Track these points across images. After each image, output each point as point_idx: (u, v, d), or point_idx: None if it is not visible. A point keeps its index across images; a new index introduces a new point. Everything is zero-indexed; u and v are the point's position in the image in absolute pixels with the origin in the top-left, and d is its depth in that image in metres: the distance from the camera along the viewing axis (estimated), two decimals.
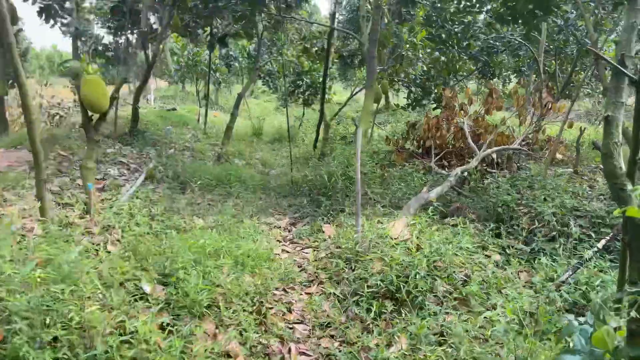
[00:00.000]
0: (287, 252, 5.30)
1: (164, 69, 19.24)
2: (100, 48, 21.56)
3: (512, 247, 5.51)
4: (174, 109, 16.07)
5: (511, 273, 4.80)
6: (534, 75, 19.05)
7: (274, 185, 7.94)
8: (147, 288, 3.50)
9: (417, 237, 4.50)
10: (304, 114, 15.97)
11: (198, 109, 15.88)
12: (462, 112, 9.27)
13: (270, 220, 6.30)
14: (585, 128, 8.66)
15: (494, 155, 8.57)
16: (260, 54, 11.84)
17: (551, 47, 13.99)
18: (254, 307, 3.60)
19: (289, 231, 6.06)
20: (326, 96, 13.58)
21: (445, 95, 8.94)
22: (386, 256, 4.10)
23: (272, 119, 18.38)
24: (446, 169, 8.96)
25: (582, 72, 18.76)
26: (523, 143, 9.11)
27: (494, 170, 8.61)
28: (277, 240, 5.62)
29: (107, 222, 4.77)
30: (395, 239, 4.48)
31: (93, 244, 4.32)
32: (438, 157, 9.11)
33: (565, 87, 13.08)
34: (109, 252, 4.15)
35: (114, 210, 5.05)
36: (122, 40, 23.32)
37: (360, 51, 16.97)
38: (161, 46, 17.81)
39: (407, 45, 10.80)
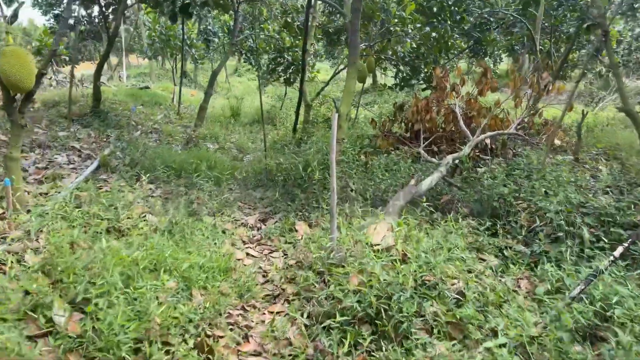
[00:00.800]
0: (253, 256, 4.56)
1: (140, 44, 18.15)
2: (71, 22, 20.29)
3: (511, 248, 4.84)
4: (147, 87, 15.09)
5: (511, 281, 4.13)
6: (527, 55, 18.32)
7: (246, 174, 7.15)
8: (60, 319, 2.75)
9: (403, 244, 3.78)
10: (285, 93, 15.07)
11: (174, 87, 14.92)
12: (453, 93, 8.53)
13: (237, 215, 5.54)
14: (586, 111, 7.96)
15: (488, 141, 7.87)
16: (238, 28, 10.90)
17: (546, 24, 13.22)
18: (197, 340, 2.86)
19: (258, 229, 5.31)
20: (307, 75, 12.72)
21: (436, 74, 8.16)
22: (365, 270, 3.37)
23: (253, 98, 17.46)
24: (436, 155, 8.27)
25: (578, 52, 18.09)
26: (518, 127, 8.42)
27: (487, 157, 7.92)
28: (242, 242, 4.87)
29: (32, 225, 3.97)
30: (376, 246, 3.76)
31: (9, 252, 3.53)
32: (427, 142, 8.38)
33: (561, 67, 12.38)
34: (26, 265, 3.37)
35: (45, 208, 4.24)
36: (94, 12, 21.99)
37: (346, 28, 16.05)
38: (138, 19, 16.68)
39: (396, 20, 9.96)
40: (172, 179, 6.44)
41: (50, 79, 13.41)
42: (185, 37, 13.30)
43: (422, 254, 3.58)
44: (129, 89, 14.17)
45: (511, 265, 4.47)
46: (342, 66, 13.59)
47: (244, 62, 20.46)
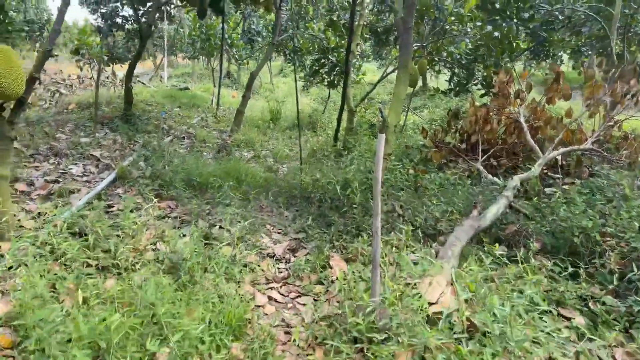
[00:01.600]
0: (276, 301, 3.76)
1: (181, 43, 17.82)
2: (119, 21, 20.23)
3: (598, 300, 3.83)
4: (187, 88, 14.66)
5: (603, 351, 3.17)
6: (595, 57, 16.70)
7: (279, 188, 6.38)
8: None
9: (468, 307, 2.88)
10: (329, 96, 14.26)
11: (214, 88, 14.43)
12: (517, 100, 7.46)
13: (264, 241, 4.77)
14: None
15: (559, 157, 6.79)
16: (280, 26, 10.19)
17: (619, 24, 11.79)
18: None
19: (287, 261, 4.51)
20: (352, 77, 11.85)
21: (499, 79, 7.11)
22: (418, 346, 2.50)
23: (295, 100, 16.77)
24: (495, 170, 7.26)
25: None
26: (594, 141, 7.25)
27: (557, 175, 6.83)
28: (266, 279, 4.08)
29: (20, 257, 3.32)
30: (432, 306, 2.87)
31: None
32: (486, 155, 7.37)
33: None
34: None
35: (37, 234, 3.60)
36: (142, 11, 21.97)
37: (396, 26, 15.07)
38: (181, 18, 16.32)
39: (452, 18, 8.95)
40: (196, 194, 5.76)
41: (90, 78, 13.17)
42: (226, 36, 12.72)
43: (494, 325, 2.67)
44: (168, 90, 13.77)
45: (601, 326, 3.50)
46: (390, 68, 12.67)
47: (287, 62, 19.82)
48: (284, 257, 4.57)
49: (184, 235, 4.39)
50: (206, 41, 12.55)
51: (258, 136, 10.25)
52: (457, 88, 8.80)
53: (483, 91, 8.74)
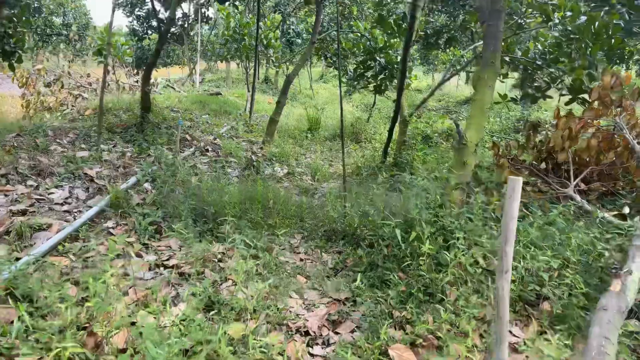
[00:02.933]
0: None
1: (212, 45, 16.81)
2: (155, 24, 19.37)
3: None
4: (219, 94, 13.55)
5: None
6: None
7: (317, 221, 5.00)
8: None
9: None
10: (374, 103, 12.80)
11: (248, 94, 13.25)
12: (619, 109, 5.87)
13: (293, 306, 3.38)
14: None
15: None
16: (320, 22, 8.86)
17: None
18: None
19: (325, 343, 3.10)
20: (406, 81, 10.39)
21: (604, 83, 5.50)
22: None
23: (336, 108, 15.39)
24: (586, 196, 5.74)
25: None
26: None
27: None
28: None
29: None
30: None
31: None
32: (578, 179, 5.79)
33: None
34: None
35: None
36: (179, 14, 21.07)
37: (448, 27, 13.48)
38: (216, 19, 15.27)
39: (530, 10, 7.38)
40: (209, 229, 4.45)
41: (108, 85, 12.20)
42: (262, 36, 11.52)
43: None
44: (199, 95, 12.68)
45: None
46: (443, 73, 11.13)
47: (328, 66, 18.51)
48: (320, 335, 3.16)
49: (175, 304, 3.06)
50: (240, 42, 11.38)
51: (294, 148, 8.92)
52: (536, 94, 7.17)
53: (569, 98, 7.07)
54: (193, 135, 8.11)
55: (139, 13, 20.67)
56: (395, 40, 10.22)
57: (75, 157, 5.37)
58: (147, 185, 5.13)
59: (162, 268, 3.58)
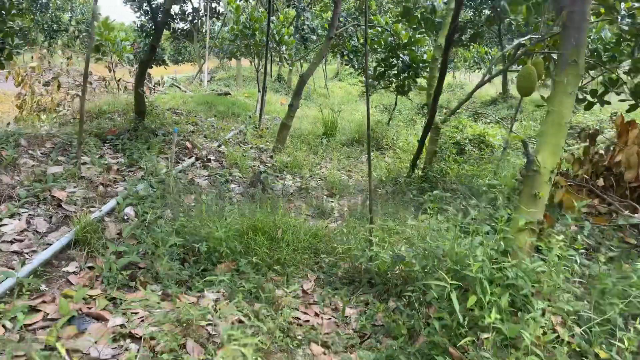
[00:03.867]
0: None
1: (219, 39, 15.89)
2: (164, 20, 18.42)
3: None
4: (228, 94, 12.64)
5: None
6: None
7: (335, 258, 4.03)
8: None
9: None
10: (395, 104, 11.77)
11: (259, 94, 12.31)
12: None
13: None
14: None
15: None
16: (339, 15, 7.87)
17: None
18: None
19: None
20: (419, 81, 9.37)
21: None
22: None
23: (353, 109, 14.40)
24: None
25: None
26: None
27: None
28: None
29: None
30: None
31: None
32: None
33: None
34: None
35: None
36: (189, 9, 20.16)
37: (475, 22, 12.39)
38: (225, 13, 14.39)
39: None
40: (198, 273, 3.51)
41: (118, 81, 11.35)
42: (274, 31, 10.58)
43: None
44: (206, 96, 11.77)
45: None
46: (461, 71, 10.03)
47: (346, 64, 17.53)
48: None
49: None
50: (251, 38, 10.45)
51: (307, 156, 7.96)
52: (598, 96, 6.10)
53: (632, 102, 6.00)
54: (194, 142, 7.18)
55: (147, 8, 19.83)
56: (422, 35, 9.20)
57: (46, 174, 4.46)
58: (129, 209, 4.21)
59: (128, 340, 2.64)
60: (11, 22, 8.23)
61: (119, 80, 10.85)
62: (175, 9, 23.01)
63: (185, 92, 12.94)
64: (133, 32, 21.37)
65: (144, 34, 19.41)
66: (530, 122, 11.17)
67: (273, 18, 10.62)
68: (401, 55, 9.00)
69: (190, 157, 6.71)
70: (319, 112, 10.95)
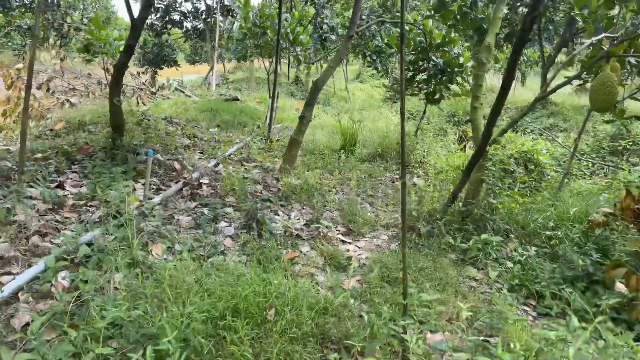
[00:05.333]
0: None
1: (226, 40, 14.69)
2: (176, 17, 17.51)
3: None
4: (236, 99, 11.44)
5: None
6: None
7: (352, 357, 2.76)
8: None
9: None
10: (424, 112, 10.41)
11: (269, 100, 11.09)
12: None
13: None
14: None
15: None
16: (360, 11, 6.59)
17: None
18: None
19: None
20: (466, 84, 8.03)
21: None
22: None
23: (376, 116, 13.07)
24: None
25: None
26: None
27: None
28: None
29: None
30: None
31: None
32: None
33: None
34: None
35: None
36: (202, 7, 18.97)
37: (509, 21, 10.98)
38: (236, 11, 13.28)
39: None
40: None
41: (104, 89, 10.21)
42: (287, 30, 9.33)
43: None
44: (211, 102, 10.59)
45: None
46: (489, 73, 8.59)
47: (368, 66, 16.23)
48: None
49: None
50: (261, 37, 9.24)
51: (321, 177, 6.68)
52: None
53: None
54: (184, 162, 5.98)
55: (158, 5, 18.81)
56: (459, 34, 7.83)
57: None
58: (62, 277, 3.00)
59: None
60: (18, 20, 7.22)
61: (90, 93, 9.72)
62: (188, 6, 21.98)
63: (190, 97, 11.80)
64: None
65: (155, 33, 18.42)
66: (588, 136, 9.68)
67: (287, 15, 9.37)
68: (434, 57, 7.66)
69: (177, 182, 5.50)
70: (337, 122, 9.65)
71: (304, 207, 5.66)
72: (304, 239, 4.63)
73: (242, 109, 10.26)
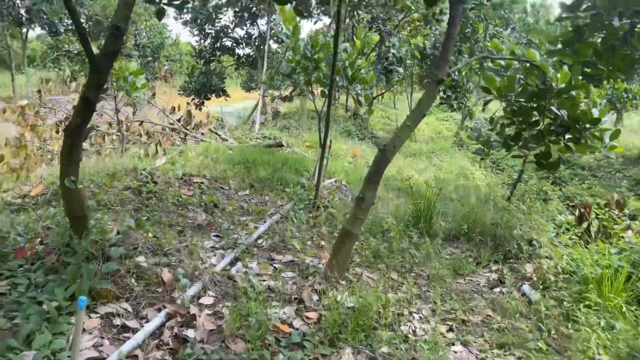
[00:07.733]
0: None
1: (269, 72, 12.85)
2: (228, 44, 15.93)
3: None
4: (280, 145, 9.48)
5: None
6: None
7: None
8: None
9: None
10: (522, 172, 7.93)
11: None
12: None
13: None
14: None
15: None
16: (454, 39, 4.41)
17: None
18: None
19: None
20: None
21: None
22: None
23: (448, 162, 10.72)
24: None
25: None
26: None
27: None
28: None
29: None
30: None
31: None
32: None
33: None
34: None
35: None
36: (255, 32, 17.41)
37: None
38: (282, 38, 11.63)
39: None
40: None
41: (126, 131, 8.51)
42: (345, 63, 7.29)
43: None
44: (248, 150, 8.65)
45: None
46: None
47: (441, 103, 13.98)
48: None
49: None
50: (313, 72, 7.28)
51: (386, 286, 4.45)
52: None
53: None
54: (176, 271, 3.95)
55: (209, 31, 17.41)
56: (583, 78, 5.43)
57: None
58: None
59: None
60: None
61: (124, 130, 7.99)
62: (240, 32, 20.76)
63: (226, 140, 10.00)
64: (191, 57, 19.15)
65: (203, 61, 17.01)
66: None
67: (346, 44, 7.34)
68: (554, 108, 5.31)
69: (159, 311, 3.47)
70: (406, 180, 7.35)
71: (359, 355, 3.45)
72: None
73: (286, 158, 8.23)
